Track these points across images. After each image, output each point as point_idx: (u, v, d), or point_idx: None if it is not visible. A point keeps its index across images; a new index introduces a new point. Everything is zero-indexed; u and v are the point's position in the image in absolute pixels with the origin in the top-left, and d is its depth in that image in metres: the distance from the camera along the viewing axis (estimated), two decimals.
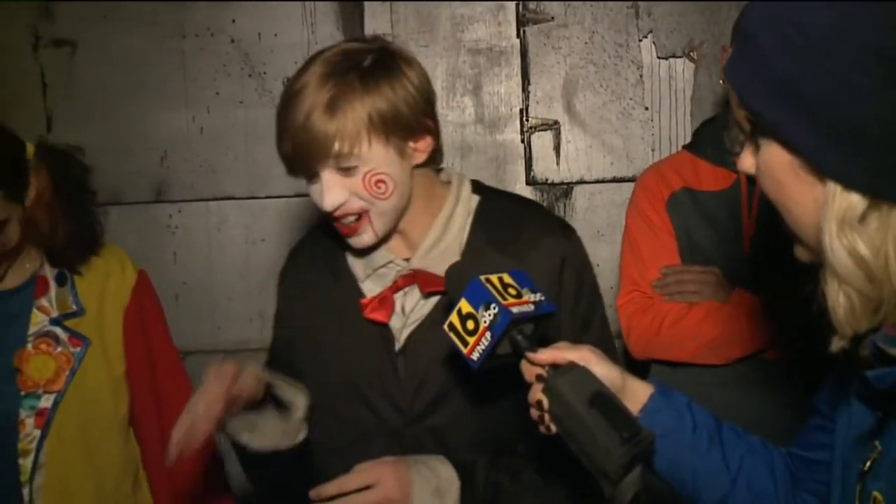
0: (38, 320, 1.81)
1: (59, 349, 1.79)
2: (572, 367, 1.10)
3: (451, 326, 1.13)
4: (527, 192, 2.79)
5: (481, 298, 1.10)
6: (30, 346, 1.78)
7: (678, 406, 1.16)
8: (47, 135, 2.77)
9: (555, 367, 1.10)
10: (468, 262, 1.25)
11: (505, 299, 1.10)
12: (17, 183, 1.74)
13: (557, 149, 2.77)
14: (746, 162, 0.97)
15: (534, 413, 1.12)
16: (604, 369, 1.12)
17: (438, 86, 2.73)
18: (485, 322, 1.09)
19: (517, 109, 2.78)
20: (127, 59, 2.80)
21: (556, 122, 2.77)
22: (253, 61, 2.79)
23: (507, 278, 1.14)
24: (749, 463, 1.18)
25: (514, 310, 1.10)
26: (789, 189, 0.92)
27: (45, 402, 1.76)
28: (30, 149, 1.81)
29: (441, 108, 2.61)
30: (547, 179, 2.79)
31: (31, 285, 1.84)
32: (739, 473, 1.17)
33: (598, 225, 2.79)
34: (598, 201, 2.79)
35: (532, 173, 2.79)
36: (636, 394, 1.15)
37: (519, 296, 1.12)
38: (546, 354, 1.11)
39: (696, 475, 1.16)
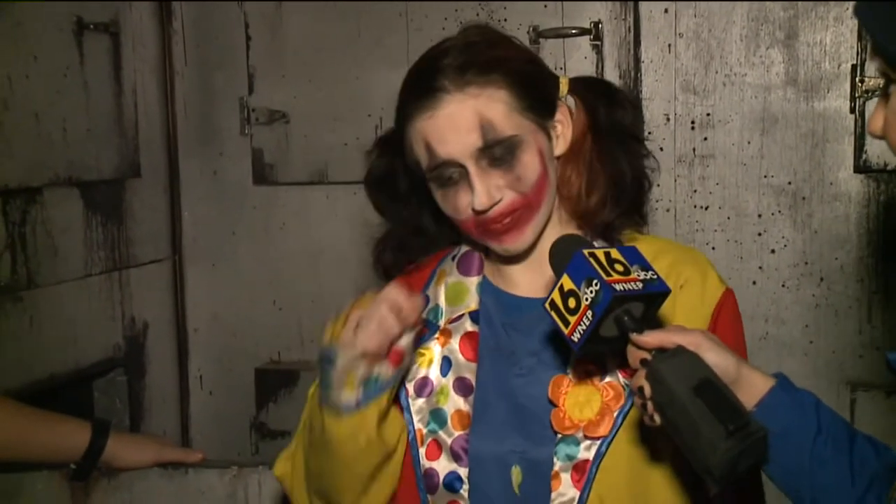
0: None
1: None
2: (679, 351, 1.13)
3: (553, 304, 1.17)
4: (855, 181, 2.42)
5: (584, 274, 1.14)
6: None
7: (802, 404, 1.17)
8: (248, 97, 2.68)
9: (661, 351, 1.13)
10: (575, 237, 1.29)
11: (609, 275, 1.13)
12: None
13: None
14: (876, 123, 0.99)
15: (636, 401, 1.17)
16: (717, 356, 1.14)
17: (736, 34, 2.46)
18: (586, 300, 1.14)
19: (847, 66, 2.40)
20: (340, 6, 2.63)
21: None
22: (492, 5, 2.53)
23: (615, 253, 1.17)
24: (883, 484, 1.14)
25: (618, 287, 1.13)
26: None
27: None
28: None
29: (739, 64, 2.45)
30: (886, 165, 2.37)
31: None
32: (868, 493, 1.14)
33: None
34: None
35: (864, 156, 2.40)
36: (754, 386, 1.17)
37: (626, 272, 1.14)
38: (652, 337, 1.15)
39: (815, 487, 1.16)
